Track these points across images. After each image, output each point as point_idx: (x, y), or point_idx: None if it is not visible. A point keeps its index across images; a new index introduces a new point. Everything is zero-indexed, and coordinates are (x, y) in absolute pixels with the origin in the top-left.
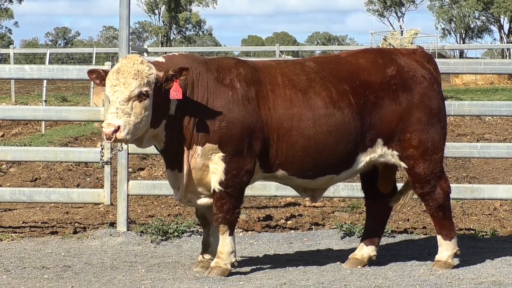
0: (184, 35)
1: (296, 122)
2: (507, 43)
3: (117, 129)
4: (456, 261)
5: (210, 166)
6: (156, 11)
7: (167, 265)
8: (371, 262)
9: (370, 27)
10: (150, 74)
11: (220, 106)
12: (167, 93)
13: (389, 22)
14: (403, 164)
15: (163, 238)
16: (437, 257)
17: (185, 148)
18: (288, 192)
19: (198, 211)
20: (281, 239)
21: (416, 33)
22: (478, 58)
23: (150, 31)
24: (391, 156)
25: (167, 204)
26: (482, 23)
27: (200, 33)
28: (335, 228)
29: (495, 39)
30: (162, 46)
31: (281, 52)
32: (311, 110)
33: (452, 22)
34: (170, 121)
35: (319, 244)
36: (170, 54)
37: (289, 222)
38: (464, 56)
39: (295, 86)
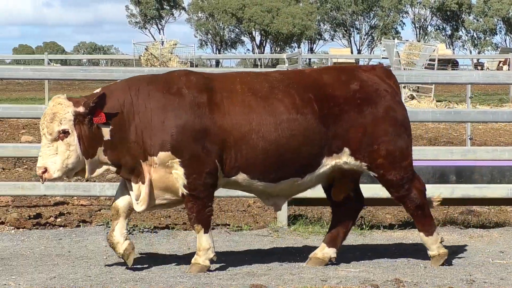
0: None
1: (256, 127)
2: (258, 53)
3: (45, 171)
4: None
5: (173, 172)
6: None
7: None
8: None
9: (133, 37)
10: (65, 113)
11: (167, 115)
12: (92, 124)
13: (151, 33)
14: (372, 173)
15: None
16: (430, 254)
17: (141, 161)
18: (57, 191)
19: (117, 203)
20: (51, 235)
21: (175, 44)
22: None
23: None
24: (358, 166)
25: None
26: (235, 35)
27: None
28: (101, 224)
29: (248, 50)
30: None
31: (50, 60)
32: (273, 115)
33: (209, 34)
34: (109, 145)
35: (86, 240)
36: (114, 82)
37: (58, 219)
38: (220, 65)
39: (256, 93)
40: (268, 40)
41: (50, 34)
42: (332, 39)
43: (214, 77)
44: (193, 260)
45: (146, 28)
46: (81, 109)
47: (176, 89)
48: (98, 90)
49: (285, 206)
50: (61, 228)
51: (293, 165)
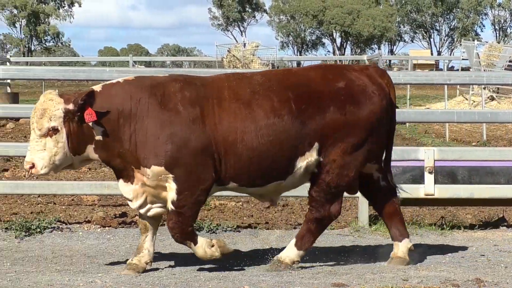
0: (44, 46)
1: (240, 135)
2: (339, 55)
3: (33, 166)
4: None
5: (166, 184)
6: (17, 24)
7: (31, 259)
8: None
9: (216, 39)
10: (56, 110)
11: (163, 130)
12: (82, 122)
13: (233, 35)
14: (316, 170)
15: (27, 234)
16: (278, 256)
17: (133, 167)
18: None
19: (142, 217)
20: (136, 234)
21: (257, 46)
22: None
23: (12, 42)
24: (313, 162)
25: (30, 203)
26: (316, 37)
27: (59, 44)
28: None
29: (329, 52)
30: (24, 56)
31: (134, 62)
32: (253, 122)
33: (290, 36)
34: (99, 145)
35: (170, 239)
36: (114, 81)
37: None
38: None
39: (239, 100)
40: (348, 42)
41: (134, 36)
42: (412, 41)
43: (205, 83)
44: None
45: (228, 30)
46: (70, 106)
47: (173, 105)
48: (98, 88)
49: (366, 206)
50: None
51: (274, 170)
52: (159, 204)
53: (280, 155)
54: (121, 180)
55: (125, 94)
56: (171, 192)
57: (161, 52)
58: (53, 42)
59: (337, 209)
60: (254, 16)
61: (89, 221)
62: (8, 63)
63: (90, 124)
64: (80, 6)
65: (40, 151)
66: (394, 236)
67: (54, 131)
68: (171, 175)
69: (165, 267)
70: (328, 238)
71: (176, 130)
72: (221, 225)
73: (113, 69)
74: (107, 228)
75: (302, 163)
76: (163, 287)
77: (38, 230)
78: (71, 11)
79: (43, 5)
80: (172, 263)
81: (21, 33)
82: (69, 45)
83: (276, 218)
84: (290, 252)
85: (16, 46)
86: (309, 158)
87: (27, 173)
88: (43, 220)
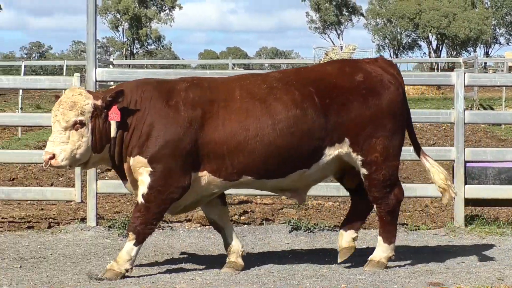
0: (146, 49)
1: (253, 131)
2: (435, 57)
3: (53, 157)
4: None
5: (139, 178)
6: (120, 28)
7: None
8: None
9: (313, 42)
10: (86, 104)
11: (158, 125)
12: (107, 119)
13: (330, 38)
14: (364, 170)
15: None
16: (371, 257)
17: (123, 162)
18: (241, 190)
19: (209, 218)
20: (235, 233)
21: (354, 48)
22: (410, 71)
23: (115, 45)
24: (354, 159)
25: (132, 201)
26: (412, 40)
27: (160, 47)
28: (283, 223)
29: (425, 54)
30: (126, 59)
31: (234, 65)
32: (271, 117)
33: (386, 39)
34: (113, 143)
35: (269, 238)
36: (126, 82)
37: (242, 217)
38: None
39: (254, 97)
40: (444, 44)
41: (234, 39)
42: (508, 43)
43: (214, 86)
44: (109, 266)
45: (325, 34)
46: (99, 102)
47: (174, 102)
48: (112, 87)
49: (462, 207)
50: (245, 225)
51: (295, 159)
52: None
53: (305, 145)
54: (124, 182)
55: (133, 93)
56: (142, 186)
57: (259, 55)
58: (154, 45)
59: (399, 192)
60: (351, 19)
61: (189, 220)
62: (111, 66)
63: (112, 122)
64: (180, 9)
65: (63, 143)
66: (345, 223)
67: (81, 124)
68: (149, 169)
69: (264, 265)
70: (424, 238)
71: (171, 128)
72: (319, 224)
73: (213, 72)
74: (207, 226)
75: (332, 151)
76: (262, 285)
77: None
78: (171, 15)
79: (145, 9)
80: (270, 261)
81: (123, 36)
82: (170, 48)
83: (373, 218)
84: (383, 250)
85: (119, 49)
86: (339, 149)
87: (45, 164)
88: None
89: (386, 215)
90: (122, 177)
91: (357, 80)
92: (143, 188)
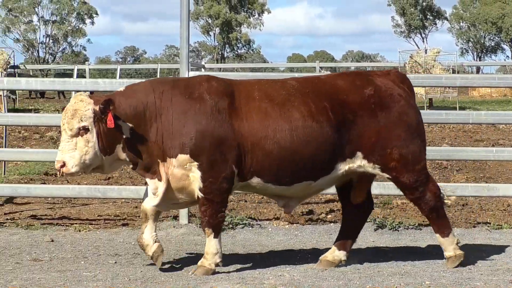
0: (236, 53)
1: (271, 133)
2: None
3: (63, 165)
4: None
5: (190, 175)
6: (211, 33)
7: (223, 253)
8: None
9: (398, 46)
10: (86, 110)
11: (188, 119)
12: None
13: (414, 42)
14: (386, 175)
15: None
16: (446, 255)
17: (159, 161)
18: (329, 190)
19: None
20: (322, 231)
21: (438, 52)
22: (493, 73)
23: (206, 49)
24: (371, 168)
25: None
26: (495, 43)
27: (250, 51)
28: (369, 221)
29: (507, 57)
30: (217, 62)
31: (321, 68)
32: (288, 122)
33: (470, 42)
34: (127, 143)
35: None
36: (137, 82)
37: (329, 216)
38: (480, 71)
39: (273, 100)
40: None
41: (321, 43)
42: None
43: (233, 83)
44: (199, 263)
45: (410, 37)
46: (97, 108)
47: (197, 94)
48: (122, 88)
49: None
50: (332, 224)
51: (307, 169)
52: (179, 200)
53: (318, 157)
54: (148, 180)
55: (147, 88)
56: (196, 181)
57: (345, 58)
58: (244, 49)
59: (434, 187)
60: (435, 24)
61: (277, 218)
62: (202, 69)
63: (119, 122)
64: (269, 13)
65: (71, 150)
66: (338, 241)
67: (85, 130)
68: (195, 163)
69: (349, 263)
70: (507, 237)
71: (201, 119)
72: (403, 223)
73: (302, 75)
74: (294, 224)
75: (343, 167)
76: (348, 281)
77: (231, 226)
78: (261, 19)
79: (235, 14)
80: (356, 258)
81: (214, 41)
82: (259, 51)
83: (456, 217)
84: (449, 245)
85: (210, 53)
86: (351, 164)
87: (58, 172)
88: (235, 217)
89: (430, 213)
90: (147, 175)
91: (367, 93)
92: (197, 184)
